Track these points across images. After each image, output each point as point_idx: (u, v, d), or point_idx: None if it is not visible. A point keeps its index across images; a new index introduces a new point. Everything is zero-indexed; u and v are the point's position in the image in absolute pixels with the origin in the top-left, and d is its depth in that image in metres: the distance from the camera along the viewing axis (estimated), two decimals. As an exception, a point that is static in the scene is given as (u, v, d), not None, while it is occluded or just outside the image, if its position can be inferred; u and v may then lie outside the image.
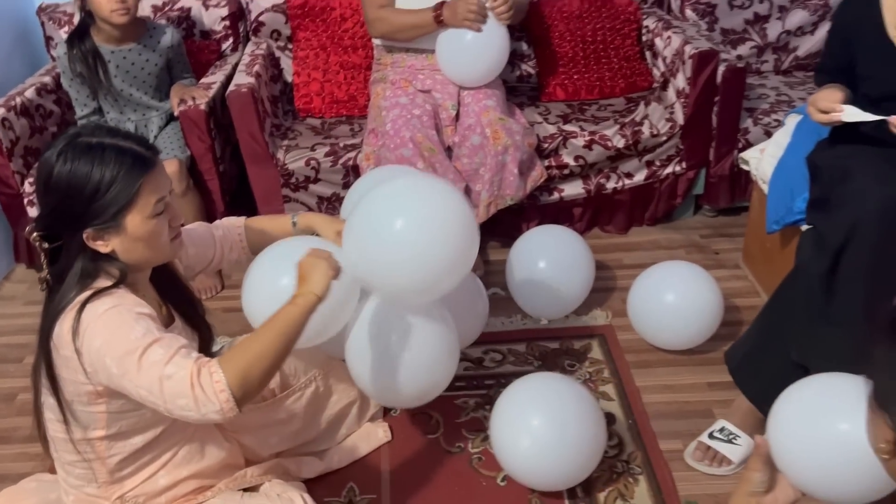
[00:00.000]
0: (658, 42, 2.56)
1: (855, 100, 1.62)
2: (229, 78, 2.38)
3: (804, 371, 1.53)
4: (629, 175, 2.47)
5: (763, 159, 2.07)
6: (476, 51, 2.24)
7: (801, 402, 1.09)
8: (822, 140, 1.80)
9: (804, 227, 1.79)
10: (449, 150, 2.29)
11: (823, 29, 2.67)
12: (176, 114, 2.24)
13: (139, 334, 1.14)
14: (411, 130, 2.20)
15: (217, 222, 1.58)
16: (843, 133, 1.70)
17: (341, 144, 2.38)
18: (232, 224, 1.58)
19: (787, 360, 1.60)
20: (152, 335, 1.15)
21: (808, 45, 2.72)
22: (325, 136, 2.44)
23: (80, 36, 2.18)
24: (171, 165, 2.10)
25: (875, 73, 1.70)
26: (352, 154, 2.35)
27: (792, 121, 2.04)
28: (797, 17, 2.68)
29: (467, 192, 2.27)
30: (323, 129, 2.51)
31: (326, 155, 2.36)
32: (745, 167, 2.21)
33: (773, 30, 2.70)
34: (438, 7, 2.22)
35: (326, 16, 2.53)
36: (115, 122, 2.29)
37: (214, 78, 2.40)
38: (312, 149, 2.37)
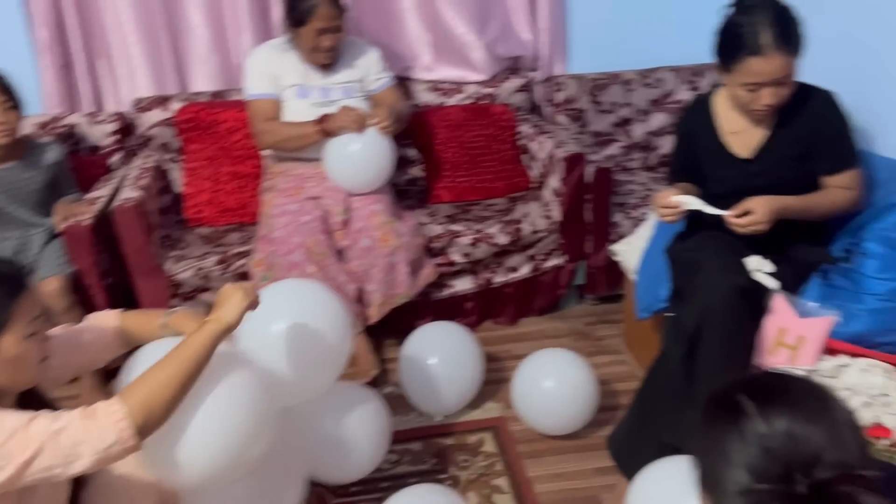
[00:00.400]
0: (533, 146, 2.75)
1: (703, 196, 1.80)
2: (117, 191, 2.39)
3: (678, 452, 1.62)
4: (514, 269, 2.60)
5: (630, 251, 2.23)
6: (362, 160, 2.35)
7: (656, 483, 1.16)
8: (679, 233, 1.98)
9: (668, 315, 1.93)
10: (340, 253, 2.36)
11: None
12: (58, 231, 2.22)
13: (17, 415, 1.13)
14: (301, 236, 2.26)
15: (85, 324, 1.46)
16: (695, 226, 1.88)
17: (231, 252, 2.41)
18: (104, 325, 1.46)
19: (661, 442, 1.69)
20: (31, 414, 1.14)
21: (670, 143, 2.98)
22: (216, 245, 2.46)
23: (-43, 155, 2.16)
24: (51, 283, 2.06)
25: (715, 174, 1.91)
26: (243, 261, 2.38)
27: (654, 214, 2.23)
28: (657, 120, 2.95)
29: (360, 293, 2.33)
30: (213, 237, 2.53)
31: (217, 263, 2.37)
32: (616, 259, 2.37)
33: (638, 131, 2.96)
34: (321, 119, 2.34)
35: (215, 128, 2.60)
36: (-6, 242, 2.24)
37: (100, 192, 2.41)
38: (202, 257, 2.39)
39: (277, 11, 2.68)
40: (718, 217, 1.72)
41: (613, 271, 2.64)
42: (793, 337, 1.69)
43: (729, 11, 1.71)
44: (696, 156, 1.94)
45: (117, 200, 2.28)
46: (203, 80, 2.74)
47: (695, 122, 1.94)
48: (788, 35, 1.64)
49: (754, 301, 1.70)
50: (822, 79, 1.86)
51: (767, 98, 1.68)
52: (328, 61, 2.41)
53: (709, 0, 2.34)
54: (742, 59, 1.65)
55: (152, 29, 2.63)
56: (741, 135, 1.85)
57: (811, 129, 1.76)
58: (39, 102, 2.60)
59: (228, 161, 2.62)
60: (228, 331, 1.26)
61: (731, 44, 1.69)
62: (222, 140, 2.61)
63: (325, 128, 2.33)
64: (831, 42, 2.17)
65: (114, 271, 2.39)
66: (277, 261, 2.26)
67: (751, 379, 0.92)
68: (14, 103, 2.14)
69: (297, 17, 2.32)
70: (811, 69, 1.80)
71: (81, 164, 2.55)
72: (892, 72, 2.13)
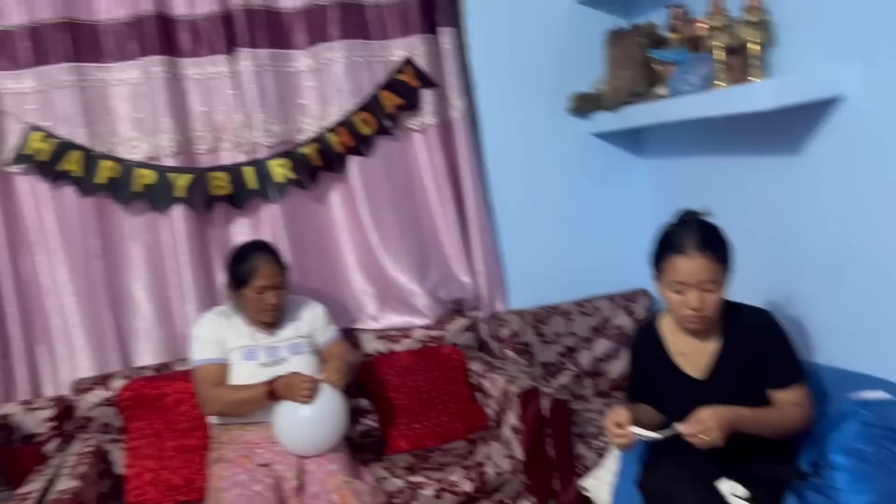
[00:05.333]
0: (485, 383, 2.75)
1: (663, 423, 1.79)
2: (51, 483, 2.22)
3: None
4: (483, 518, 2.46)
5: (600, 486, 2.16)
6: (315, 422, 2.28)
7: None
8: (647, 461, 1.93)
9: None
10: (296, 523, 2.20)
11: (626, 352, 3.02)
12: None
13: None
14: (253, 509, 2.11)
15: None
16: (660, 452, 1.84)
17: (178, 537, 2.22)
18: None
19: None
20: None
21: (618, 367, 3.04)
22: (160, 530, 2.27)
23: None
24: None
25: (671, 395, 1.93)
26: (190, 546, 2.19)
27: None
28: (601, 346, 3.03)
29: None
30: (158, 521, 2.34)
31: (161, 552, 2.17)
32: (587, 494, 2.28)
33: (584, 358, 3.02)
34: (271, 382, 2.30)
35: (160, 402, 2.52)
36: None
37: (32, 486, 2.22)
38: (145, 547, 2.18)
39: (221, 279, 2.75)
40: (675, 437, 1.70)
41: (586, 507, 2.54)
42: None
43: (664, 226, 1.87)
44: (651, 378, 1.97)
45: (51, 493, 2.11)
46: (147, 355, 2.71)
47: (645, 346, 2.00)
48: (713, 243, 1.78)
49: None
50: (755, 299, 1.98)
51: (694, 301, 1.77)
52: (273, 320, 2.43)
53: (633, 229, 2.56)
54: (668, 258, 1.80)
55: (95, 309, 2.64)
56: (690, 356, 1.91)
57: (755, 348, 1.83)
58: (-28, 393, 2.49)
59: (174, 435, 2.51)
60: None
61: (662, 247, 1.84)
62: (168, 413, 2.52)
63: (275, 393, 2.28)
64: (756, 262, 2.35)
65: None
66: (229, 539, 2.08)
67: None
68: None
69: (239, 278, 2.37)
70: (745, 289, 1.92)
71: (14, 456, 2.38)
72: (815, 287, 2.28)
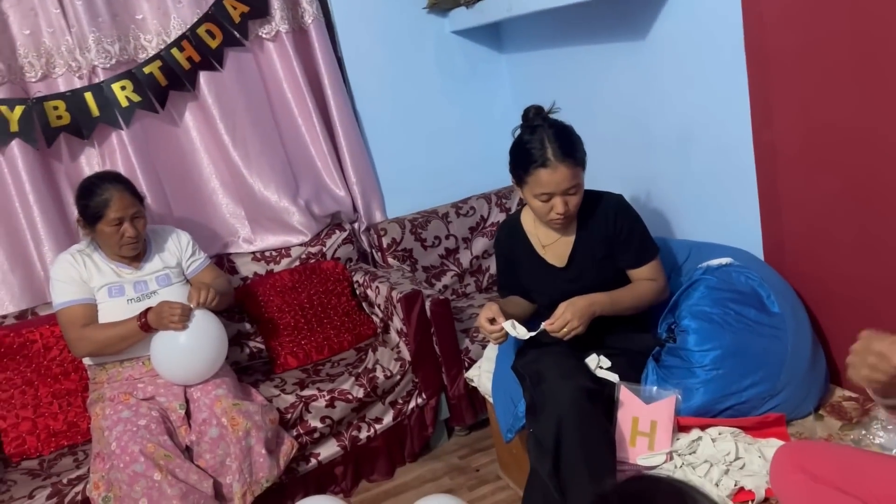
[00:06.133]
0: (369, 293, 2.77)
1: (535, 310, 1.87)
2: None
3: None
4: (378, 420, 2.54)
5: (482, 375, 2.26)
6: (193, 349, 2.24)
7: None
8: (520, 347, 2.03)
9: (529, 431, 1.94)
10: (189, 451, 2.19)
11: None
12: None
13: None
14: (140, 443, 2.08)
15: None
16: (533, 338, 1.94)
17: (64, 480, 2.16)
18: None
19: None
20: None
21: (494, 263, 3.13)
22: (45, 477, 2.21)
23: None
24: None
25: (537, 286, 2.01)
26: (78, 488, 2.15)
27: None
28: (480, 244, 3.10)
29: (217, 486, 2.16)
30: (42, 468, 2.27)
31: (49, 498, 2.12)
32: (473, 384, 2.38)
33: (465, 258, 3.09)
34: (143, 315, 2.23)
35: (27, 350, 2.40)
36: None
37: None
38: (31, 496, 2.12)
39: (75, 214, 2.59)
40: (542, 332, 1.79)
41: (475, 397, 2.66)
42: (646, 424, 1.75)
43: (518, 132, 1.88)
44: (517, 272, 2.04)
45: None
46: (7, 302, 2.55)
47: (510, 242, 2.05)
48: (570, 148, 1.81)
49: (602, 399, 1.75)
50: (610, 184, 2.06)
51: (560, 206, 1.82)
52: (134, 253, 2.32)
53: (500, 126, 2.58)
54: (530, 170, 1.80)
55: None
56: (552, 247, 1.98)
57: (609, 231, 1.91)
58: None
59: (47, 381, 2.41)
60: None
61: (521, 160, 1.84)
62: (38, 360, 2.41)
63: (149, 324, 2.22)
64: (609, 148, 2.43)
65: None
66: (117, 476, 2.05)
67: (619, 490, 0.93)
68: None
69: (91, 213, 2.23)
70: (599, 176, 1.99)
71: None
72: (664, 167, 2.40)
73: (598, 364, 1.86)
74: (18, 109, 2.43)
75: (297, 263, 2.87)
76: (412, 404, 2.59)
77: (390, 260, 2.98)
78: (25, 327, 2.44)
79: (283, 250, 2.87)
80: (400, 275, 2.78)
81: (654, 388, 1.80)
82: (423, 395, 2.60)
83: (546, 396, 1.71)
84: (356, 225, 3.04)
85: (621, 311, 1.87)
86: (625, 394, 1.79)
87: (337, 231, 2.96)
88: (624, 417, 1.77)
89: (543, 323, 1.77)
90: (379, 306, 2.72)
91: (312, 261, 2.88)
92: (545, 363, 1.79)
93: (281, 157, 2.86)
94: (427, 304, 2.55)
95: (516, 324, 1.79)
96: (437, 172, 3.12)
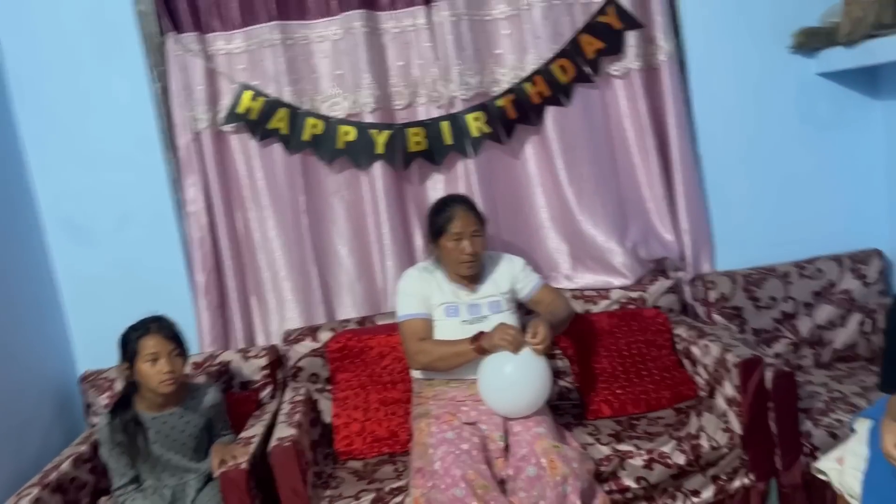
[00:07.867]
0: (695, 350, 2.56)
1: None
2: (269, 429, 2.33)
3: None
4: (696, 493, 2.30)
5: (845, 472, 1.92)
6: (520, 382, 2.21)
7: None
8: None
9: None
10: (502, 483, 2.16)
11: (853, 320, 2.71)
12: (215, 476, 2.14)
13: None
14: (462, 468, 2.09)
15: None
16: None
17: (386, 489, 2.25)
18: None
19: None
20: None
21: (843, 337, 2.73)
22: (369, 482, 2.32)
23: (123, 406, 2.18)
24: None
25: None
26: (398, 498, 2.21)
27: (862, 426, 1.94)
28: (825, 313, 2.73)
29: (527, 531, 2.09)
30: (365, 471, 2.39)
31: (372, 503, 2.21)
32: (823, 478, 2.05)
33: (804, 326, 2.73)
34: (477, 336, 2.26)
35: (365, 356, 2.57)
36: (151, 490, 2.19)
37: (254, 431, 2.35)
38: (357, 497, 2.23)
39: (418, 238, 2.74)
40: None
41: (812, 489, 2.31)
42: None
43: None
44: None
45: (273, 440, 2.21)
46: (349, 308, 2.77)
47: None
48: None
49: None
50: None
51: None
52: (471, 272, 2.39)
53: (864, 181, 2.23)
54: None
55: (302, 263, 2.73)
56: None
57: None
58: (196, 342, 2.66)
59: (378, 387, 2.55)
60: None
61: None
62: (372, 366, 2.57)
63: (482, 345, 2.25)
64: None
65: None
66: (437, 496, 2.07)
67: None
68: (181, 350, 2.18)
69: (437, 227, 2.37)
70: None
71: (233, 401, 2.53)
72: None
73: None
74: (385, 134, 2.63)
75: (616, 307, 2.75)
76: (737, 483, 2.32)
77: (715, 316, 2.73)
78: (365, 333, 2.61)
79: (602, 291, 2.77)
80: (729, 335, 2.53)
81: None
82: (752, 476, 2.31)
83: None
84: (682, 274, 2.85)
85: None
86: None
87: (661, 278, 2.79)
88: None
89: None
90: (706, 367, 2.49)
91: (632, 306, 2.74)
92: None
93: (614, 196, 2.79)
94: (768, 373, 2.27)
95: None
96: (781, 226, 2.82)
